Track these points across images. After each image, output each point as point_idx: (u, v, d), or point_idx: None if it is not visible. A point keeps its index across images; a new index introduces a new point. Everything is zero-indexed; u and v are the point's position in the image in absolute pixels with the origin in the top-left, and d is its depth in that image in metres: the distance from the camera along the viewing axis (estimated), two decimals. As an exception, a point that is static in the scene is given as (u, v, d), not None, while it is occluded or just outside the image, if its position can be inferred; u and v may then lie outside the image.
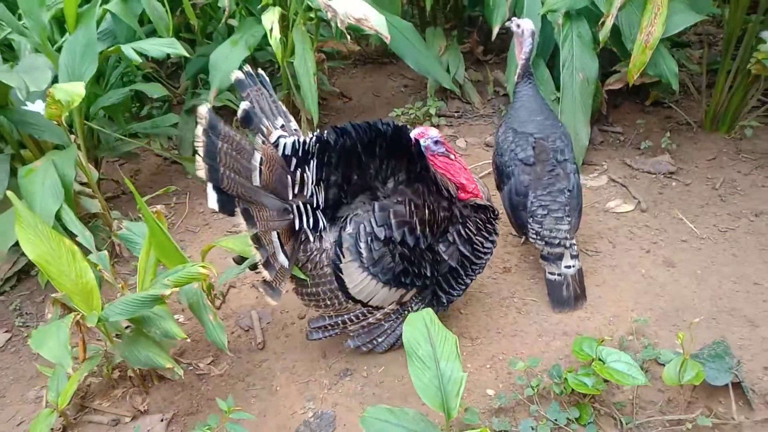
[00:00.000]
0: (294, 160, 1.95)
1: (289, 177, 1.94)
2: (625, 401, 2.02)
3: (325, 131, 1.96)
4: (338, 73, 4.57)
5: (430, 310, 1.66)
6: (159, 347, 1.84)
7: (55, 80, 2.47)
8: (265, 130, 1.93)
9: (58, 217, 2.13)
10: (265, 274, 1.85)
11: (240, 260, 2.08)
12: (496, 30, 3.51)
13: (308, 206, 1.99)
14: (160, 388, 2.26)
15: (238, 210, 1.80)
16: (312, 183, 1.97)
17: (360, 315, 2.16)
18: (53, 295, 1.89)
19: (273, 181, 1.90)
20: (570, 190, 2.43)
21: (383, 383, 2.22)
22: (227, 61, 2.99)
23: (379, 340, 2.25)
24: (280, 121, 1.99)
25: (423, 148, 2.04)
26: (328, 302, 2.10)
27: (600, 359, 1.86)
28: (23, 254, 2.80)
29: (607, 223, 2.94)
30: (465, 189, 2.14)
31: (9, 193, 1.84)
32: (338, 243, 2.00)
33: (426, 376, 1.48)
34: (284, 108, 2.06)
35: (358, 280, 2.02)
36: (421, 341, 1.53)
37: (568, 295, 2.43)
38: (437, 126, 3.82)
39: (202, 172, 1.75)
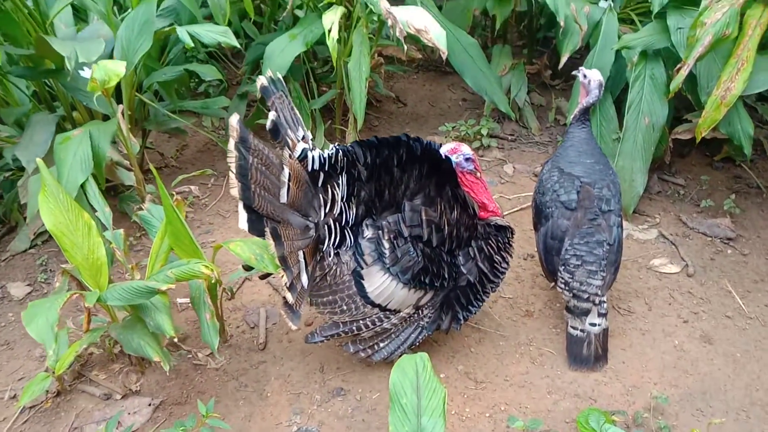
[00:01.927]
0: (322, 176, 1.90)
1: (314, 194, 1.90)
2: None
3: (349, 144, 1.91)
4: (397, 77, 4.49)
5: (425, 355, 1.56)
6: (152, 337, 1.82)
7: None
8: (290, 142, 1.88)
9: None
10: (288, 296, 1.81)
11: (248, 267, 2.04)
12: (564, 59, 3.35)
13: (336, 224, 1.95)
14: (155, 370, 2.26)
15: (267, 230, 1.75)
16: (342, 199, 1.93)
17: (376, 320, 2.08)
18: (63, 266, 1.91)
19: (300, 198, 1.86)
20: (610, 244, 2.26)
21: (375, 410, 2.13)
22: (282, 54, 2.96)
23: (381, 345, 2.16)
24: (301, 132, 1.94)
25: (453, 164, 2.06)
26: (345, 308, 2.03)
27: (603, 438, 1.71)
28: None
29: (647, 281, 2.73)
30: (486, 208, 2.15)
31: (38, 160, 1.86)
32: (359, 252, 1.96)
33: (404, 429, 1.39)
34: (299, 116, 1.99)
35: (378, 282, 1.97)
36: (408, 389, 1.44)
37: (588, 354, 2.27)
38: (488, 147, 3.69)
39: (235, 191, 1.72)
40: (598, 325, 2.27)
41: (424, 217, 1.96)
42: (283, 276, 1.77)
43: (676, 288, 2.70)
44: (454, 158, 2.07)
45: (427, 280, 2.00)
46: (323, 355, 2.34)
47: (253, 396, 2.18)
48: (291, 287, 1.80)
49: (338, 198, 1.93)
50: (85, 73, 2.58)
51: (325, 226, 1.93)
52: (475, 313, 2.23)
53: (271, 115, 1.86)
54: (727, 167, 3.52)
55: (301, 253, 1.86)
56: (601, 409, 2.00)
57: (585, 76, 2.46)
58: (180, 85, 3.43)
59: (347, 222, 1.97)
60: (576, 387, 2.23)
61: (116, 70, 1.96)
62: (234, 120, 1.72)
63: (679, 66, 2.74)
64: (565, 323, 2.37)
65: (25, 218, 2.96)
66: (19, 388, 2.20)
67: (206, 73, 3.00)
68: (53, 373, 2.05)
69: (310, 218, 1.91)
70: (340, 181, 1.93)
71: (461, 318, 2.19)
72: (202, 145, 3.77)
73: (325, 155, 1.87)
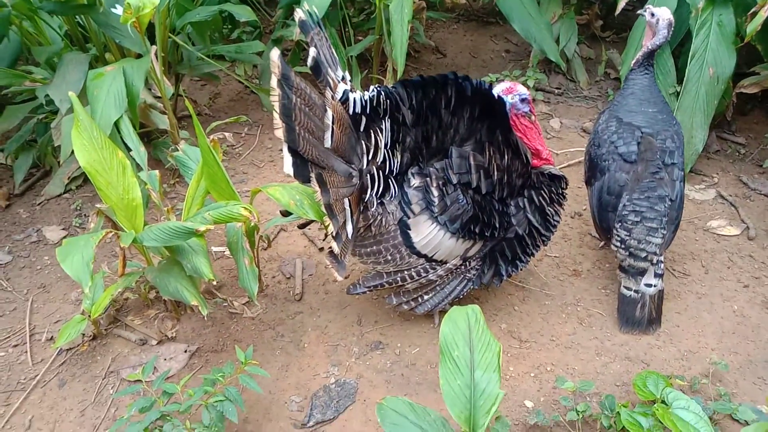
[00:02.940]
0: (364, 120, 1.76)
1: (356, 139, 1.76)
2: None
3: (391, 85, 1.76)
4: (437, 25, 4.27)
5: (477, 307, 1.46)
6: (189, 281, 1.76)
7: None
8: (331, 82, 1.72)
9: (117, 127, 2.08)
10: (334, 246, 1.70)
11: (286, 213, 1.94)
12: (621, 5, 3.10)
13: (380, 172, 1.82)
14: (191, 317, 2.22)
15: (312, 176, 1.63)
16: (386, 146, 1.79)
17: (421, 271, 1.97)
18: (98, 206, 1.85)
19: (344, 143, 1.72)
20: (672, 199, 2.10)
21: (414, 366, 2.06)
22: (319, -5, 2.80)
23: (425, 297, 2.06)
24: (340, 72, 1.78)
25: (508, 106, 1.94)
26: (389, 258, 1.93)
27: (664, 402, 1.60)
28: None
29: (704, 244, 2.57)
30: (539, 155, 2.00)
31: (71, 94, 1.78)
32: (405, 201, 1.86)
33: (457, 383, 1.29)
34: (337, 56, 1.83)
35: (425, 232, 1.87)
36: (460, 342, 1.34)
37: (641, 316, 2.15)
38: (533, 100, 3.49)
39: (279, 132, 1.59)
40: (654, 286, 2.13)
41: (472, 163, 1.84)
42: (328, 225, 1.67)
43: (735, 251, 2.53)
44: (508, 99, 1.93)
45: (477, 230, 1.88)
46: (361, 308, 2.26)
47: (290, 346, 2.13)
48: (336, 236, 1.69)
49: (381, 145, 1.79)
50: (118, 10, 2.47)
51: (368, 174, 1.80)
52: (520, 270, 2.11)
53: (312, 51, 1.70)
54: (793, 125, 3.27)
55: (346, 201, 1.74)
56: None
57: (653, 15, 2.24)
58: (214, 29, 3.30)
59: (391, 171, 1.84)
60: (627, 350, 2.11)
61: (150, -2, 1.85)
62: (275, 55, 1.58)
63: (753, 9, 2.49)
64: (617, 283, 2.23)
65: (59, 162, 2.91)
66: (56, 330, 2.18)
67: (241, 14, 2.85)
68: (89, 316, 2.02)
69: (353, 165, 1.79)
70: (383, 126, 1.78)
71: (503, 273, 2.06)
72: (235, 94, 3.66)
73: (367, 97, 1.73)
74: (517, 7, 3.15)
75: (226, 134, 2.82)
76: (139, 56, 2.61)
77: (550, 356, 2.09)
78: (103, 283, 2.09)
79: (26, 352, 2.11)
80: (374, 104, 1.76)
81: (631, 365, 2.06)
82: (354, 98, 1.73)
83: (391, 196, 1.86)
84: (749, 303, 2.29)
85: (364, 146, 1.78)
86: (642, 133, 2.15)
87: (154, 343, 2.12)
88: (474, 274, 2.05)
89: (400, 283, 1.99)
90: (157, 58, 2.41)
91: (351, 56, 3.35)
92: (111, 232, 1.66)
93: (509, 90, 1.93)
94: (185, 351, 2.08)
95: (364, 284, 2.03)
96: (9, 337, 2.17)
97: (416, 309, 2.07)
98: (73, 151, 2.28)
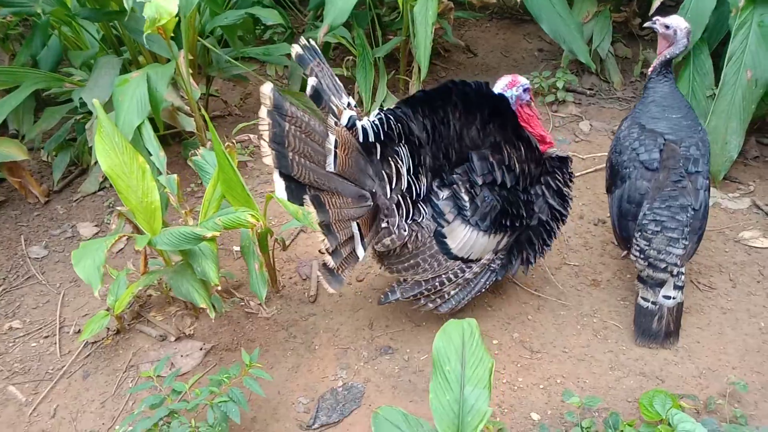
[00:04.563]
0: (379, 147, 1.80)
1: (367, 161, 1.80)
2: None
3: (395, 105, 1.78)
4: (469, 24, 4.22)
5: (473, 321, 1.45)
6: (201, 283, 1.82)
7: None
8: (335, 109, 1.77)
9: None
10: (328, 259, 1.72)
11: None
12: (656, 4, 2.98)
13: (407, 198, 1.87)
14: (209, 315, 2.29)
15: (307, 197, 1.66)
16: (408, 172, 1.85)
17: (458, 272, 2.02)
18: (119, 208, 1.93)
19: (351, 166, 1.75)
20: (695, 209, 2.03)
21: (422, 372, 2.07)
22: (345, -3, 2.81)
23: (451, 293, 2.07)
24: (345, 99, 1.82)
25: (513, 99, 1.99)
26: (428, 267, 1.98)
27: (669, 424, 1.56)
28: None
29: (733, 255, 2.46)
30: (544, 140, 2.06)
31: (95, 101, 1.86)
32: (438, 213, 1.91)
33: (446, 398, 1.30)
34: (341, 83, 1.87)
35: (461, 236, 1.94)
36: (452, 356, 1.34)
37: (658, 329, 2.08)
38: (563, 101, 3.42)
39: (269, 159, 1.62)
40: (673, 298, 2.07)
41: (493, 161, 1.90)
42: (324, 240, 1.69)
43: (767, 265, 2.42)
44: (513, 91, 1.98)
45: (507, 223, 1.96)
46: (373, 312, 2.29)
47: (302, 348, 2.17)
48: (334, 252, 1.71)
49: (403, 171, 1.84)
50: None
51: (394, 203, 1.85)
52: (543, 256, 2.16)
53: (311, 80, 1.76)
54: (840, 131, 3.08)
55: (353, 224, 1.76)
56: (669, 391, 1.83)
57: (668, 27, 2.15)
58: (245, 31, 3.37)
59: (418, 195, 1.89)
60: (642, 365, 2.06)
61: (167, 7, 1.90)
62: (267, 89, 1.60)
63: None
64: (635, 294, 2.18)
65: (95, 161, 3.05)
66: (84, 323, 2.29)
67: (267, 17, 2.91)
68: (112, 311, 2.12)
69: (365, 187, 1.81)
70: (401, 152, 1.84)
71: (532, 260, 2.13)
72: (265, 94, 3.72)
73: (376, 122, 1.76)
74: (546, 6, 3.08)
75: (252, 136, 2.91)
76: (168, 60, 2.70)
77: (561, 368, 2.06)
78: (126, 281, 2.18)
79: (55, 343, 2.23)
80: (386, 129, 1.79)
81: (645, 381, 2.00)
82: (363, 126, 1.77)
83: (422, 217, 1.91)
84: (778, 320, 2.19)
85: (384, 175, 1.83)
86: (665, 140, 2.08)
87: (172, 340, 2.21)
88: (498, 265, 2.09)
89: (438, 288, 2.03)
90: (184, 60, 2.49)
91: (378, 57, 3.37)
92: (125, 235, 1.74)
93: (512, 83, 1.98)
94: (201, 349, 2.15)
95: (403, 294, 2.05)
96: (41, 328, 2.31)
97: (440, 308, 2.08)
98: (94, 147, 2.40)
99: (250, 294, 2.38)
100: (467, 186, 1.89)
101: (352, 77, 3.45)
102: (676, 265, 2.03)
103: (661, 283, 2.06)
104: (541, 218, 2.06)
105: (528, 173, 1.98)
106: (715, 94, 2.80)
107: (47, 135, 3.07)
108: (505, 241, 2.04)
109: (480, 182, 1.89)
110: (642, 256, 2.07)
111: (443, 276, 2.00)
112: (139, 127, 2.15)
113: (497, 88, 1.97)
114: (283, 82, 3.69)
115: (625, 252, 2.44)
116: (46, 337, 2.28)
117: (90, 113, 2.96)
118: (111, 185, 2.98)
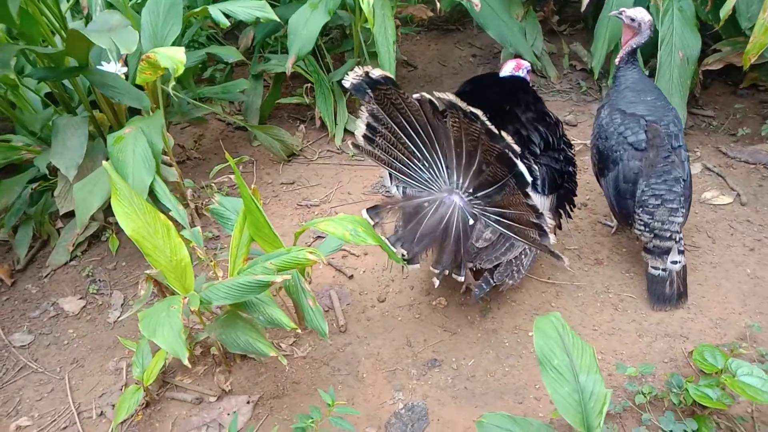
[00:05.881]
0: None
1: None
2: (745, 415, 1.88)
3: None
4: (402, 38, 4.35)
5: (558, 314, 1.53)
6: (258, 333, 1.74)
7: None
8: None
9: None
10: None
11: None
12: (586, 2, 3.26)
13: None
14: (242, 367, 2.19)
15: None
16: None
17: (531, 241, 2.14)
18: (147, 272, 1.81)
19: None
20: (685, 179, 2.25)
21: (474, 377, 2.11)
22: (307, 26, 2.82)
23: (526, 262, 2.18)
24: None
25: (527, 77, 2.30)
26: (519, 243, 2.08)
27: (729, 371, 1.72)
28: (94, 219, 2.76)
29: (704, 215, 2.75)
30: None
31: (106, 164, 1.74)
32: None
33: (564, 389, 1.36)
34: None
35: (537, 203, 2.05)
36: (556, 350, 1.41)
37: (671, 293, 2.28)
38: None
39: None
40: (679, 262, 2.27)
41: (543, 130, 2.10)
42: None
43: (733, 218, 2.72)
44: (521, 73, 2.27)
45: (560, 182, 2.16)
46: (407, 330, 2.30)
47: (349, 379, 2.14)
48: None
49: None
50: (107, 67, 2.42)
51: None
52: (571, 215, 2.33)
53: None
54: (751, 93, 3.52)
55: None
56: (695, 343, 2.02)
57: (633, 20, 2.38)
58: (194, 72, 3.26)
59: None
60: (665, 327, 2.24)
61: (178, 57, 1.81)
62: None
63: (717, -6, 2.69)
64: (641, 266, 2.36)
65: (58, 230, 2.81)
66: (104, 404, 2.11)
67: (228, 55, 2.83)
68: (142, 384, 1.97)
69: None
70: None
71: (570, 215, 2.31)
72: (218, 133, 3.61)
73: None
74: (491, 15, 3.26)
75: (231, 176, 2.82)
76: (132, 113, 2.56)
77: (596, 345, 2.19)
78: (149, 349, 2.05)
79: (80, 432, 2.03)
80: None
81: (672, 341, 2.18)
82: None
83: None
84: (759, 264, 2.47)
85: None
86: (647, 121, 2.29)
87: (212, 400, 2.08)
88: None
89: (521, 261, 2.14)
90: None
91: (332, 81, 3.39)
92: (186, 297, 1.63)
93: (518, 66, 2.26)
94: (248, 402, 2.05)
95: (497, 278, 2.11)
96: (56, 419, 2.08)
97: (515, 281, 2.15)
98: (76, 216, 2.23)
99: (277, 336, 2.30)
100: (532, 158, 2.07)
101: (311, 104, 3.44)
102: (677, 232, 2.24)
103: (668, 251, 2.26)
104: (569, 170, 2.25)
105: (560, 137, 2.20)
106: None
107: (2, 210, 2.78)
108: (551, 201, 2.20)
109: (538, 152, 2.08)
110: (647, 229, 2.25)
111: (518, 250, 2.11)
112: (151, 185, 2.03)
113: (506, 72, 2.23)
114: (235, 116, 3.59)
115: (614, 228, 2.65)
116: (65, 428, 2.06)
117: (46, 179, 2.74)
118: (83, 252, 2.79)
